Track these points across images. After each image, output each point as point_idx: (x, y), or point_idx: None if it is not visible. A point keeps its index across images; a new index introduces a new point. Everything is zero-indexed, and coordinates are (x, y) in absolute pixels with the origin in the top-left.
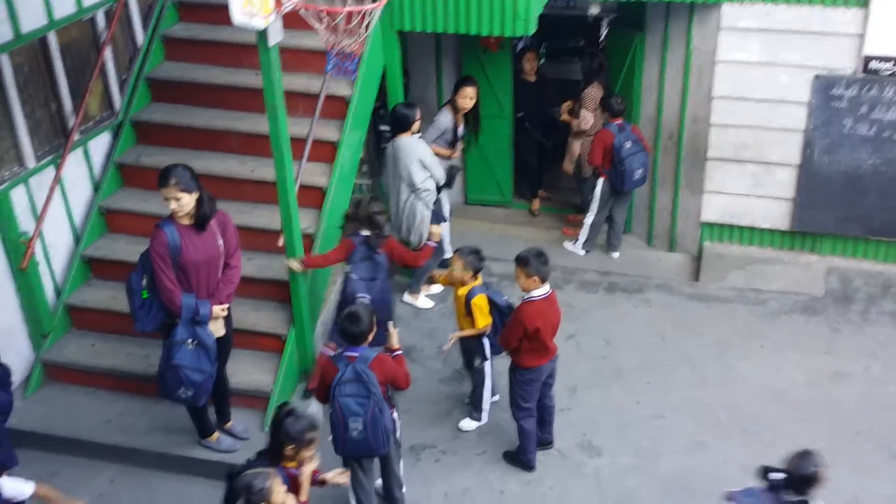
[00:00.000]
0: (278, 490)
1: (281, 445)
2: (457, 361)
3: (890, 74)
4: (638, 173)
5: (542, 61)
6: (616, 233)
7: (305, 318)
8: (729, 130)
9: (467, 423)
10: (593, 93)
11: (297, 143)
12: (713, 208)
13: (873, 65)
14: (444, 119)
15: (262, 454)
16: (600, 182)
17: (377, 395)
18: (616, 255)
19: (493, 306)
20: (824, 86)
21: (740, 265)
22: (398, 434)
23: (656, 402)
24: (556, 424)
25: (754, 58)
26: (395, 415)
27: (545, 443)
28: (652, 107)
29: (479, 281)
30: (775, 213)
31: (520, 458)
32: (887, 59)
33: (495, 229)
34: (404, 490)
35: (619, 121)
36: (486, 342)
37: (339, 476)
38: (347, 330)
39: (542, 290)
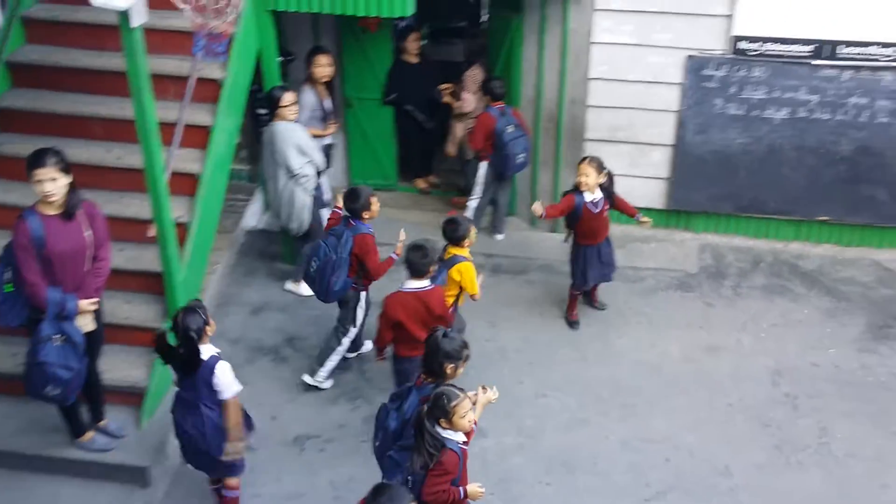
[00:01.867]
0: (467, 406)
1: (441, 366)
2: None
3: (757, 54)
4: (520, 158)
5: (425, 42)
6: (500, 215)
7: None
8: (605, 112)
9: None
10: (474, 74)
11: (168, 128)
12: None
13: (742, 45)
14: (308, 96)
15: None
16: (483, 165)
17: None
18: (500, 237)
19: None
20: (696, 66)
21: (619, 244)
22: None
23: (539, 381)
24: None
25: (628, 39)
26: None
27: None
28: (531, 89)
29: (461, 250)
30: (651, 193)
31: None
32: (754, 40)
33: (381, 213)
34: None
35: (501, 104)
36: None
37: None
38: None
39: (414, 284)
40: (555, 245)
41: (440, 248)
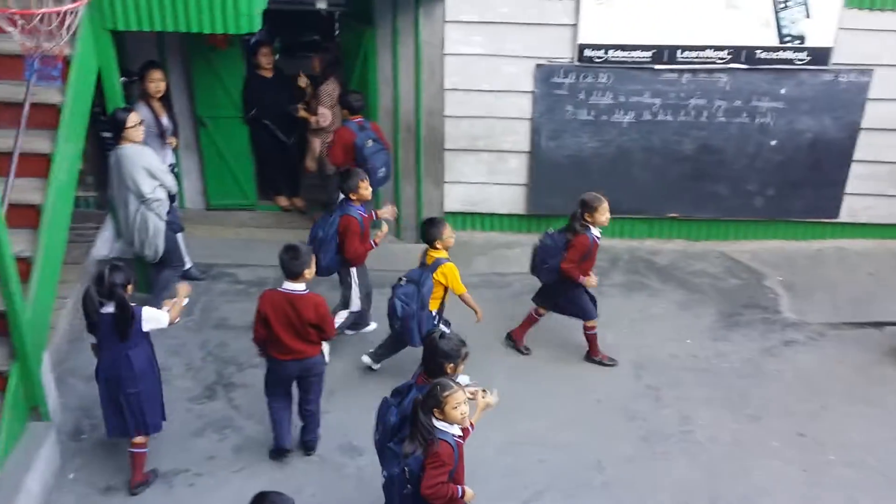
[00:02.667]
0: (461, 398)
1: (441, 367)
2: (208, 378)
3: (602, 61)
4: (381, 172)
5: (277, 56)
6: None
7: (29, 351)
8: (462, 121)
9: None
10: (329, 89)
11: (4, 157)
12: (454, 198)
13: (587, 53)
14: (143, 114)
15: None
16: None
17: None
18: None
19: None
20: (546, 74)
21: (483, 251)
22: None
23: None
24: None
25: (480, 50)
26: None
27: (307, 448)
28: (388, 101)
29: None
30: (511, 199)
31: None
32: (599, 47)
33: (241, 234)
34: None
35: (359, 118)
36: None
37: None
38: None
39: (288, 286)
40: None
41: (308, 253)
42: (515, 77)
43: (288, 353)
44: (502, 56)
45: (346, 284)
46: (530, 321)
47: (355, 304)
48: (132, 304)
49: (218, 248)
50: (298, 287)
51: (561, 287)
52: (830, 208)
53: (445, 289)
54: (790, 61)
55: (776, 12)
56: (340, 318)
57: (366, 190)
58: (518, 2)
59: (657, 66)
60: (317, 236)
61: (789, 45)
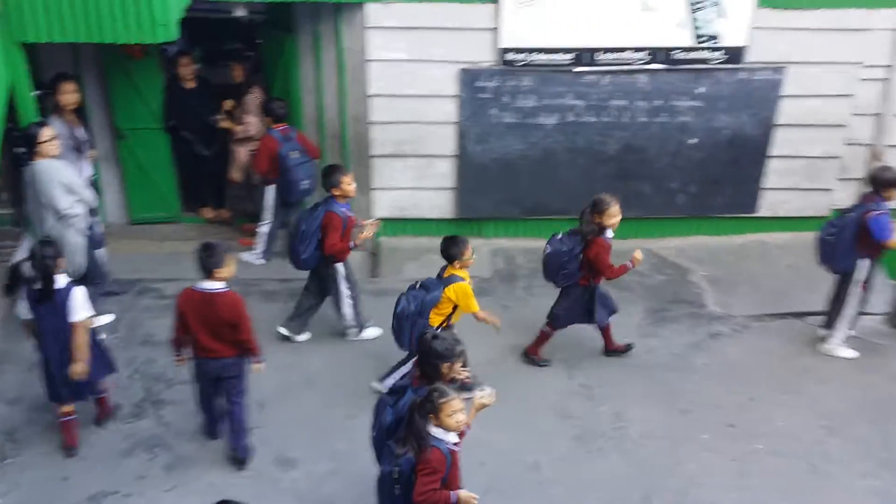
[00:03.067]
0: (457, 406)
1: (437, 368)
2: (136, 396)
3: (524, 65)
4: (304, 184)
5: (199, 65)
6: None
7: None
8: (389, 127)
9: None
10: (254, 97)
11: None
12: (384, 204)
13: (509, 56)
14: (56, 127)
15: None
16: (270, 189)
17: None
18: None
19: None
20: (470, 79)
21: (414, 256)
22: None
23: (349, 402)
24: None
25: (403, 55)
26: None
27: (238, 461)
28: (312, 108)
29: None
30: (440, 203)
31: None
32: (520, 51)
33: (164, 247)
34: None
35: (284, 126)
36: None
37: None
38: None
39: (204, 284)
40: (353, 262)
41: (224, 251)
42: (440, 82)
43: (204, 352)
44: (426, 61)
45: (329, 281)
46: (544, 338)
47: (342, 292)
48: (68, 282)
49: (142, 262)
50: (215, 285)
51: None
52: (750, 203)
53: (454, 308)
54: (706, 61)
55: (691, 13)
56: (347, 310)
57: (349, 186)
58: (439, 7)
59: (578, 69)
60: (300, 230)
61: (705, 45)
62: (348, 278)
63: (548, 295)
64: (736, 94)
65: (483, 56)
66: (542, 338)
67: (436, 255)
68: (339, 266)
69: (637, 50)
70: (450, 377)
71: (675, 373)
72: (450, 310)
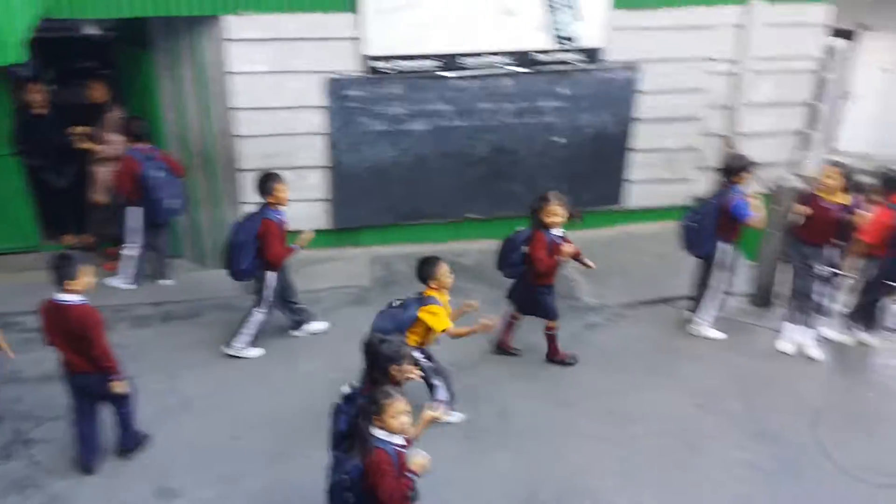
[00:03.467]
0: (400, 408)
1: (385, 371)
2: (3, 436)
3: (391, 72)
4: (172, 203)
5: (54, 87)
6: (162, 260)
7: None
8: (256, 141)
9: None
10: (114, 116)
11: None
12: None
13: (375, 64)
14: None
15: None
16: (134, 211)
17: None
18: (168, 282)
19: None
20: (337, 88)
21: (294, 269)
22: None
23: (231, 424)
24: (127, 475)
25: (266, 67)
26: None
27: (124, 452)
28: (175, 125)
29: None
30: (315, 215)
31: None
32: (386, 59)
33: (25, 278)
34: None
35: (145, 146)
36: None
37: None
38: None
39: (59, 295)
40: (227, 281)
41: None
42: (306, 92)
43: (68, 366)
44: (290, 72)
45: (259, 287)
46: (509, 326)
47: (264, 301)
48: None
49: (1, 295)
50: (69, 297)
51: (525, 288)
52: (616, 197)
53: (429, 330)
54: (567, 62)
55: (550, 16)
56: (251, 325)
57: (282, 193)
58: (300, 17)
59: (445, 74)
60: (237, 240)
61: (564, 46)
62: (273, 290)
63: None
64: (596, 93)
65: (348, 65)
66: (552, 339)
67: (317, 266)
68: (271, 275)
69: (501, 54)
70: (400, 379)
71: (555, 366)
72: (423, 331)
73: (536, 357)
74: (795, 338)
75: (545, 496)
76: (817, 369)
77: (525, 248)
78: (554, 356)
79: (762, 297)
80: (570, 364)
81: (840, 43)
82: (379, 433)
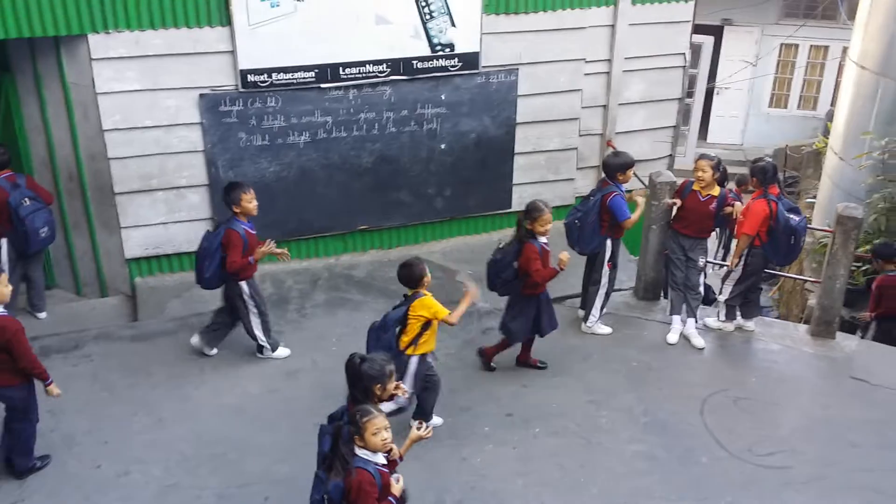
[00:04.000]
0: (380, 424)
1: (367, 390)
2: None
3: (267, 86)
4: (43, 232)
5: None
6: (38, 291)
7: None
8: (130, 162)
9: None
10: None
11: None
12: (135, 243)
13: (251, 78)
14: None
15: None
16: (2, 243)
17: None
18: (42, 315)
19: None
20: (211, 104)
21: (176, 294)
22: None
23: (118, 459)
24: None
25: (136, 86)
26: None
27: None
28: (43, 150)
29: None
30: (198, 235)
31: None
32: (261, 72)
33: None
34: None
35: (9, 173)
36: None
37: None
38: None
39: None
40: (107, 310)
41: None
42: (179, 110)
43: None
44: (162, 90)
45: (237, 299)
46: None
47: (249, 310)
48: None
49: None
50: None
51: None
52: (503, 200)
53: (426, 325)
54: (445, 68)
55: (424, 24)
56: (256, 332)
57: (249, 203)
58: (169, 33)
59: (323, 85)
60: (201, 248)
61: (441, 53)
62: (253, 296)
63: (321, 315)
64: (476, 98)
65: (223, 80)
66: (502, 345)
67: (200, 290)
68: (243, 284)
69: (377, 63)
70: (383, 398)
71: (452, 372)
72: (418, 328)
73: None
74: (679, 328)
75: (449, 501)
76: (701, 358)
77: (516, 264)
78: (526, 360)
79: (648, 291)
80: (542, 368)
81: (705, 39)
82: (361, 452)
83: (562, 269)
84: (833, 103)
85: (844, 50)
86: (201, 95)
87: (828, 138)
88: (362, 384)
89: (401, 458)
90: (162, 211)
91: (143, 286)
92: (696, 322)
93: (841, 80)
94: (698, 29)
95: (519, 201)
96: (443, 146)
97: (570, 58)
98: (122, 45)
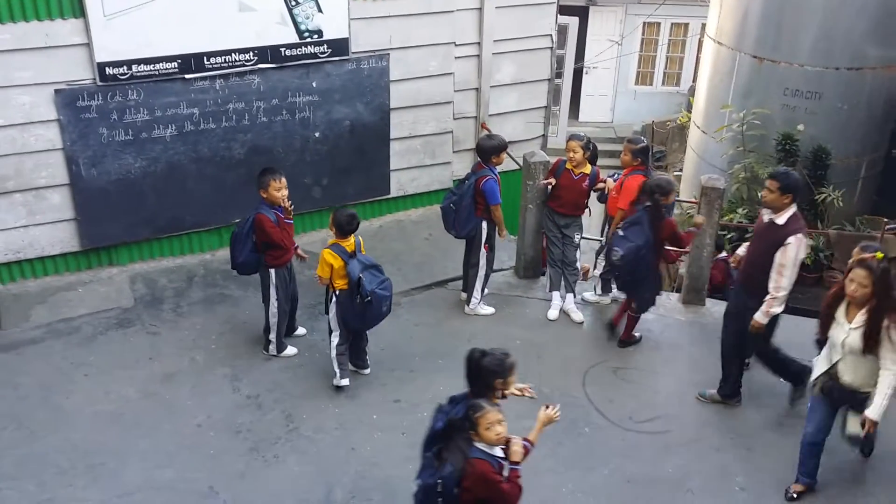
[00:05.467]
0: (492, 419)
1: (488, 384)
2: None
3: (128, 78)
4: None
5: None
6: None
7: None
8: None
9: None
10: None
11: None
12: None
13: (109, 71)
14: None
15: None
16: None
17: None
18: None
19: None
20: (68, 100)
21: (41, 299)
22: None
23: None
24: None
25: None
26: None
27: None
28: None
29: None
30: (61, 237)
31: None
32: (120, 64)
33: None
34: None
35: None
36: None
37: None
38: None
39: None
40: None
41: None
42: (34, 106)
43: None
44: (12, 86)
45: (264, 286)
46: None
47: (272, 300)
48: None
49: None
50: None
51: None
52: (382, 186)
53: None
54: (314, 55)
55: (290, 10)
56: (272, 330)
57: (277, 192)
58: (21, 26)
59: (187, 76)
60: (234, 233)
61: (309, 40)
62: (278, 288)
63: (200, 313)
64: (348, 85)
65: (80, 74)
66: (630, 322)
67: (69, 293)
68: (272, 272)
69: (243, 51)
70: (504, 392)
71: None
72: (326, 273)
73: (316, 356)
74: (559, 304)
75: (341, 493)
76: (582, 331)
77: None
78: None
79: (528, 269)
80: (636, 342)
81: (571, 20)
82: (479, 445)
83: (698, 231)
84: (694, 79)
85: (703, 27)
86: (57, 91)
87: (691, 113)
88: (482, 378)
89: (533, 444)
90: (21, 214)
91: (5, 294)
92: (575, 297)
93: (701, 56)
94: (563, 10)
95: (397, 187)
96: (317, 134)
97: (440, 41)
98: None
